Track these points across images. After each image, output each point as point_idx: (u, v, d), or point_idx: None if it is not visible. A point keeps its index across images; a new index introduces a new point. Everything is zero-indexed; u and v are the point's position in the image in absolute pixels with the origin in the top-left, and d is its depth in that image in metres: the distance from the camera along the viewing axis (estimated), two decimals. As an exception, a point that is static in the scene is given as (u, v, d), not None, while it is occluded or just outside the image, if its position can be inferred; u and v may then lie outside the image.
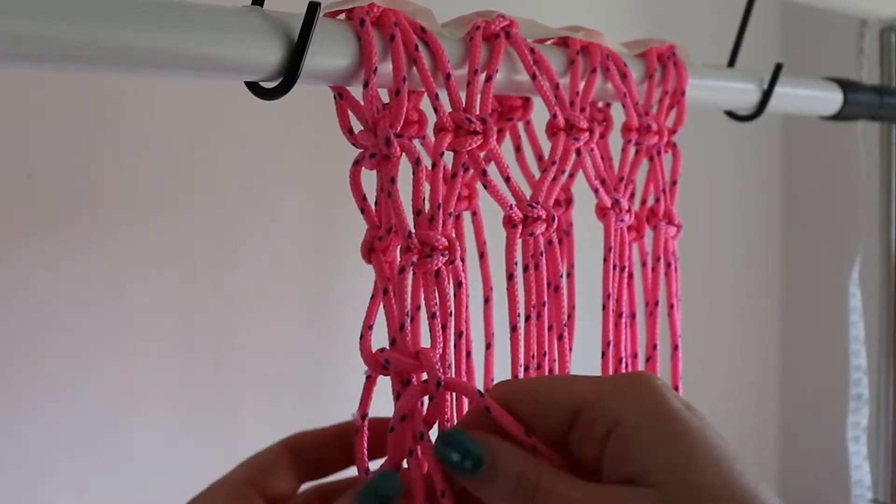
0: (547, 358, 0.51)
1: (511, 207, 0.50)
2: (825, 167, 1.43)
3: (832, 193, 1.41)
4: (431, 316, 0.46)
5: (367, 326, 0.47)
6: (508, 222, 0.50)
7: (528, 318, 0.50)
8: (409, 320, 0.46)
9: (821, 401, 1.42)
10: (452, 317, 0.47)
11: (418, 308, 0.48)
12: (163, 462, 0.85)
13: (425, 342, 0.47)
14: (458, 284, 0.48)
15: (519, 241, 0.50)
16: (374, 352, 0.46)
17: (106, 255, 0.81)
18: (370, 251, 0.48)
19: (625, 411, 0.39)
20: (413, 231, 0.46)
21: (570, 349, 0.54)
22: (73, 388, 0.79)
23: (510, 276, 0.49)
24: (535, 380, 0.46)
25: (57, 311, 0.79)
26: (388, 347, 0.46)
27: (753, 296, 1.46)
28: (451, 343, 0.47)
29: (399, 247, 0.47)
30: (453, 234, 0.47)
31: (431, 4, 0.53)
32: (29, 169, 0.77)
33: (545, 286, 0.51)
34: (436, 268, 0.46)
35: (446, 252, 0.46)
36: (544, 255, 0.51)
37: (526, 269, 0.50)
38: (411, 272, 0.46)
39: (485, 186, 0.49)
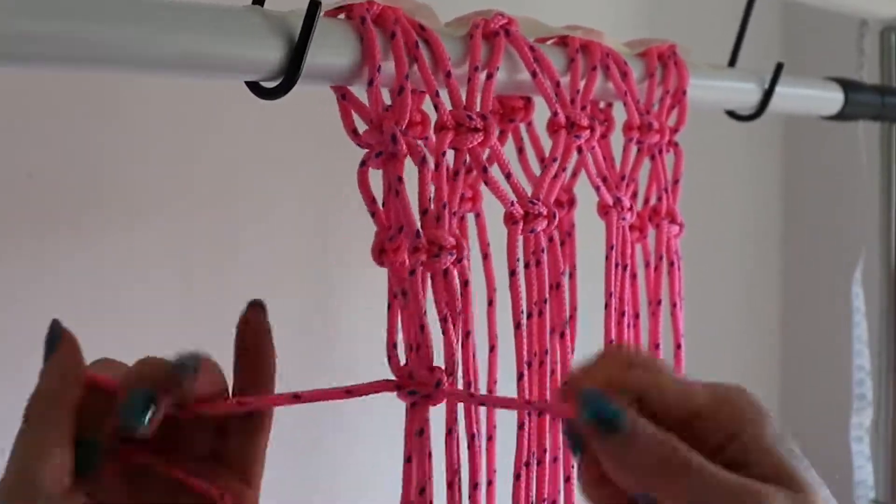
0: (549, 356, 0.50)
1: (512, 204, 0.49)
2: (826, 167, 1.42)
3: (833, 193, 1.41)
4: (443, 319, 0.45)
5: (392, 344, 0.46)
6: (509, 219, 0.50)
7: (529, 316, 0.50)
8: (425, 320, 0.46)
9: (821, 401, 1.42)
10: (461, 316, 0.47)
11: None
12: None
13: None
14: (465, 283, 0.47)
15: (520, 238, 0.50)
16: (401, 366, 0.46)
17: (106, 254, 0.81)
18: (381, 252, 0.47)
19: (740, 427, 0.40)
20: (421, 230, 0.46)
21: (573, 350, 0.53)
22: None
23: (513, 273, 0.49)
24: (652, 378, 0.42)
25: (57, 311, 0.78)
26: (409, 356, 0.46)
27: (753, 295, 1.46)
28: (459, 343, 0.47)
29: (408, 247, 0.46)
30: (458, 233, 0.47)
31: (434, 3, 0.53)
32: (29, 169, 0.77)
33: (546, 284, 0.50)
34: (444, 267, 0.46)
35: (454, 251, 0.46)
36: (546, 252, 0.51)
37: (527, 266, 0.50)
38: (420, 273, 0.46)
39: (486, 183, 0.49)
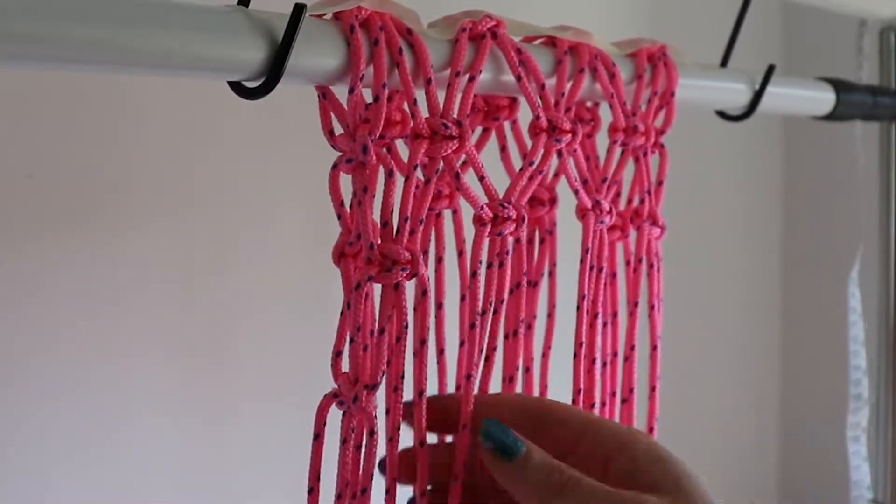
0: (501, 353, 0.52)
1: (482, 207, 0.50)
2: (825, 167, 1.42)
3: (832, 193, 1.41)
4: (380, 330, 0.47)
5: (337, 353, 0.48)
6: (478, 221, 0.50)
7: (483, 314, 0.50)
8: (359, 334, 0.47)
9: (820, 401, 1.42)
10: (409, 328, 0.48)
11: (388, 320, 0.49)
12: (161, 466, 0.85)
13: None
14: (423, 293, 0.48)
15: (486, 240, 0.51)
16: (340, 374, 0.48)
17: (106, 255, 0.81)
18: (341, 255, 0.49)
19: (631, 437, 0.46)
20: (375, 243, 0.47)
21: (550, 347, 0.54)
22: (72, 389, 0.79)
23: (474, 274, 0.49)
24: (545, 399, 0.51)
25: (57, 312, 0.79)
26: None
27: (753, 296, 1.46)
28: (407, 355, 0.49)
29: (363, 258, 0.48)
30: (418, 247, 0.48)
31: (426, 4, 0.54)
32: (30, 169, 0.78)
33: (506, 285, 0.51)
34: (395, 281, 0.47)
35: (407, 266, 0.47)
36: (511, 253, 0.51)
37: (489, 266, 0.51)
38: (369, 286, 0.47)
39: (457, 189, 0.50)
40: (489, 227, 0.50)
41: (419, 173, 0.49)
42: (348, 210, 0.49)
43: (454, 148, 0.49)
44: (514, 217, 0.50)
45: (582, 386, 0.55)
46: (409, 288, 0.49)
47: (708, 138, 1.27)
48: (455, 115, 0.50)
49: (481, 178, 0.50)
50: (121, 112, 0.82)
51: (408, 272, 0.47)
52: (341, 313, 0.49)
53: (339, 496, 0.48)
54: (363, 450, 0.47)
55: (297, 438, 0.95)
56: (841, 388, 1.12)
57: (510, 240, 0.51)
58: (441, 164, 0.50)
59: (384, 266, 0.47)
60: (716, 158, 1.37)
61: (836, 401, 1.18)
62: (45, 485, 0.78)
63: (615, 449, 0.46)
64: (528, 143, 0.56)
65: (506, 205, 0.50)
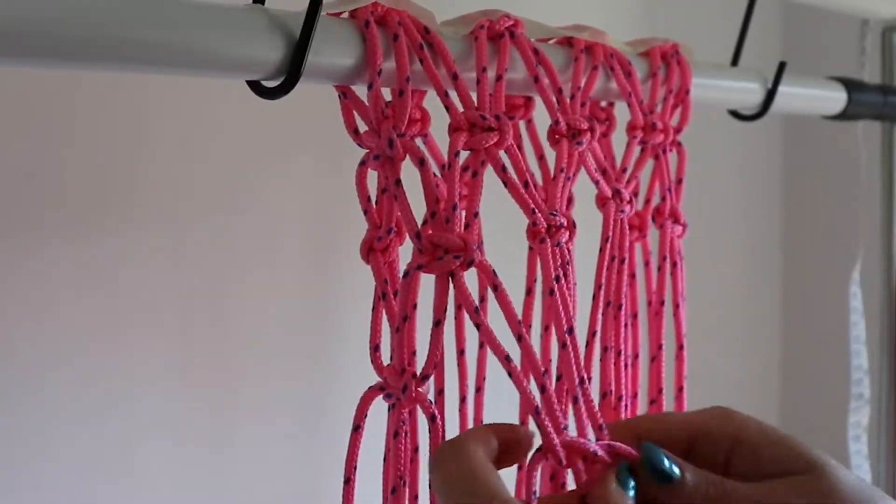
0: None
1: (534, 212, 0.48)
2: (825, 167, 1.42)
3: (832, 193, 1.41)
4: (436, 323, 0.45)
5: (375, 346, 0.47)
6: (535, 235, 0.48)
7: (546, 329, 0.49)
8: (405, 324, 0.46)
9: (821, 401, 1.42)
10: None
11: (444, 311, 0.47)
12: (159, 466, 0.84)
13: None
14: (494, 288, 0.46)
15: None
16: (384, 367, 0.47)
17: (106, 255, 0.81)
18: (369, 251, 0.48)
19: (740, 431, 0.47)
20: (421, 232, 0.46)
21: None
22: (71, 391, 0.79)
23: (551, 292, 0.47)
24: (651, 416, 0.51)
25: (56, 312, 0.78)
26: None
27: (753, 296, 1.46)
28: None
29: (412, 249, 0.47)
30: (475, 236, 0.46)
31: (434, 5, 0.53)
32: (29, 169, 0.77)
33: (574, 299, 0.49)
34: (449, 269, 0.45)
35: (461, 253, 0.45)
36: (570, 265, 0.50)
37: (557, 280, 0.48)
38: (419, 275, 0.46)
39: (505, 185, 0.48)
40: (548, 239, 0.48)
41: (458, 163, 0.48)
42: (374, 205, 0.48)
43: (494, 140, 0.48)
44: (566, 225, 0.49)
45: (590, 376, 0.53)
46: (427, 280, 0.47)
47: (708, 138, 1.27)
48: (489, 110, 0.49)
49: (525, 184, 0.49)
50: (121, 111, 0.81)
51: (461, 259, 0.45)
52: (373, 307, 0.48)
53: (394, 490, 0.46)
54: (428, 438, 0.46)
55: (298, 459, 0.95)
56: (841, 388, 1.12)
57: (566, 251, 0.49)
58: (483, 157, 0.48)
59: (435, 255, 0.45)
60: (716, 158, 1.37)
61: (836, 401, 1.18)
62: (43, 482, 0.77)
63: (729, 448, 0.46)
64: (544, 141, 0.55)
65: (555, 213, 0.49)
